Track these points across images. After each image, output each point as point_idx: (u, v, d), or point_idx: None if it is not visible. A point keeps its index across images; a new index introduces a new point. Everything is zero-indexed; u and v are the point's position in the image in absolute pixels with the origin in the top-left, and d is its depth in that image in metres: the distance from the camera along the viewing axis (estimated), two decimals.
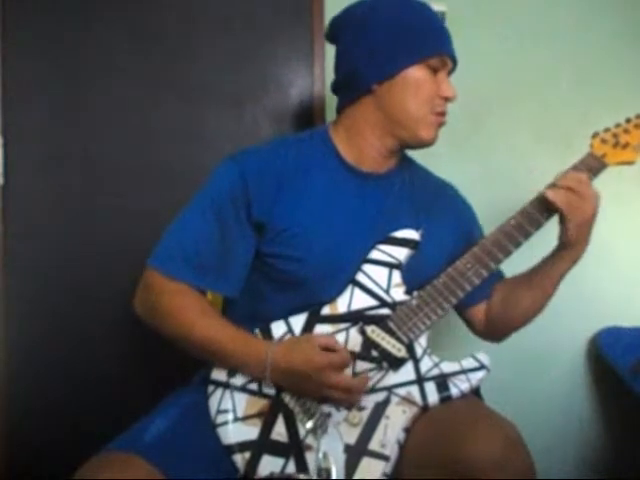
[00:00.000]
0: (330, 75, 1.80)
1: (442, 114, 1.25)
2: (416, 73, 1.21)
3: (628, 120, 1.23)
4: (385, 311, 1.20)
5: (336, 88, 1.32)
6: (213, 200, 1.21)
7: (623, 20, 1.95)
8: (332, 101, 1.77)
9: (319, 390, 1.13)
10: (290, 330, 1.20)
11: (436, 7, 1.77)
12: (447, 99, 1.24)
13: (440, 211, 1.34)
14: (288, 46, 1.86)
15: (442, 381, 1.17)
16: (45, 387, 1.80)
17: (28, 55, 1.77)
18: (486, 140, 1.92)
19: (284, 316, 1.21)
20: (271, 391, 1.17)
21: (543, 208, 1.19)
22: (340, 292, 1.22)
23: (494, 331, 1.36)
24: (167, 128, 1.83)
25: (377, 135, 1.26)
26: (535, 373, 1.94)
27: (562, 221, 1.18)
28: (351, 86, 1.26)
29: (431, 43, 1.22)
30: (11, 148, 1.77)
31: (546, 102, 1.93)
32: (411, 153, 1.38)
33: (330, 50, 1.81)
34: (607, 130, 1.23)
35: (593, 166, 1.20)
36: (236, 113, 1.84)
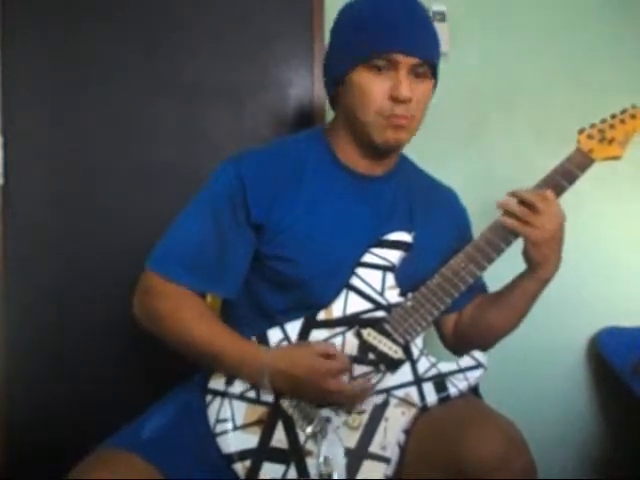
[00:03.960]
0: None
1: (395, 116, 1.16)
2: (358, 76, 1.16)
3: (613, 116, 1.24)
4: (380, 314, 1.20)
5: None
6: (211, 203, 1.21)
7: (623, 21, 1.95)
8: None
9: (319, 396, 1.13)
10: (286, 336, 1.20)
11: (436, 7, 1.79)
12: (396, 100, 1.15)
13: (436, 213, 1.34)
14: (288, 46, 1.86)
15: (440, 381, 1.17)
16: (45, 386, 1.81)
17: (28, 55, 1.77)
18: (486, 140, 1.92)
19: (280, 318, 1.21)
20: (269, 398, 1.17)
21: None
22: (336, 294, 1.21)
23: (460, 345, 1.33)
24: (167, 128, 1.83)
25: (349, 138, 1.26)
26: (535, 373, 1.94)
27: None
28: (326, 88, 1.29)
29: (370, 43, 1.14)
30: (11, 148, 1.77)
31: (546, 102, 1.93)
32: (412, 154, 1.37)
33: None
34: (593, 126, 1.23)
35: (580, 162, 1.20)
36: (236, 113, 1.85)
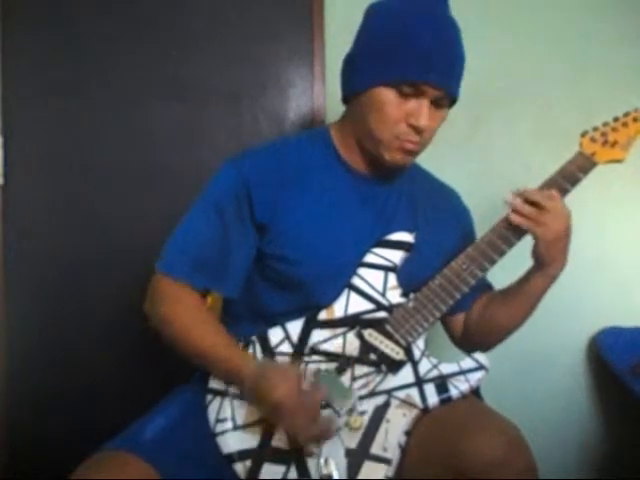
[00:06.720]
0: (330, 75, 1.82)
1: (409, 142, 1.17)
2: (382, 94, 1.15)
3: (616, 119, 1.23)
4: (382, 314, 1.20)
5: None
6: (216, 203, 1.21)
7: (624, 19, 1.95)
8: (332, 101, 1.78)
9: (287, 425, 1.08)
10: (287, 336, 1.20)
11: None
12: (414, 127, 1.16)
13: (438, 214, 1.34)
14: (288, 46, 1.86)
15: (441, 382, 1.16)
16: (45, 386, 1.81)
17: (28, 55, 1.77)
18: (486, 139, 1.92)
19: (282, 318, 1.21)
20: None
21: None
22: (337, 295, 1.21)
23: (470, 343, 1.34)
24: (167, 127, 1.83)
25: (356, 143, 1.25)
26: (535, 373, 1.94)
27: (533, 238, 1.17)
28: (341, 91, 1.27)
29: (402, 70, 1.13)
30: (11, 148, 1.77)
31: (546, 101, 1.93)
32: None
33: (330, 49, 1.82)
34: (596, 129, 1.22)
35: (583, 165, 1.19)
36: (236, 113, 1.85)
